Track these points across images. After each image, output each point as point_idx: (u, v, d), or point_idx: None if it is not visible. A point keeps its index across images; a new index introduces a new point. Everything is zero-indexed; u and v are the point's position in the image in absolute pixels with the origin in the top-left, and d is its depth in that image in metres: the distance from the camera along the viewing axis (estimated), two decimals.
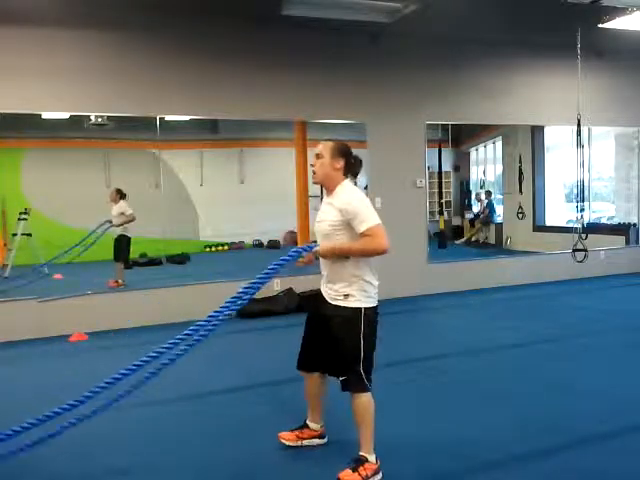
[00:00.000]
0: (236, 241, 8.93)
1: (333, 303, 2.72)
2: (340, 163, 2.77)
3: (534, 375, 4.18)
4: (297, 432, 3.03)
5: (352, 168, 2.84)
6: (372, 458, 2.70)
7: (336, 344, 2.71)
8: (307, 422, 3.05)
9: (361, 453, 2.71)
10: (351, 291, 2.68)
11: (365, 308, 2.67)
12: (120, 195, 6.82)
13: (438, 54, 7.20)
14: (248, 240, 8.93)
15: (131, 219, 6.75)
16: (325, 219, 2.74)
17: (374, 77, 6.96)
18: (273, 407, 3.64)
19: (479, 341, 5.17)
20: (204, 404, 3.79)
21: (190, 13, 6.00)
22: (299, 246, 2.87)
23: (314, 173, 2.83)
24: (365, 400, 2.70)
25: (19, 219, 6.83)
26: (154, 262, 7.67)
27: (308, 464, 2.89)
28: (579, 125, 6.29)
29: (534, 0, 5.89)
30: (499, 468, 2.84)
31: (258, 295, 6.28)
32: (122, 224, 6.76)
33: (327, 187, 2.81)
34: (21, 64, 5.57)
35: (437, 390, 3.94)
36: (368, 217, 2.62)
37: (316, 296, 2.88)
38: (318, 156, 2.80)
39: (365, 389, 2.70)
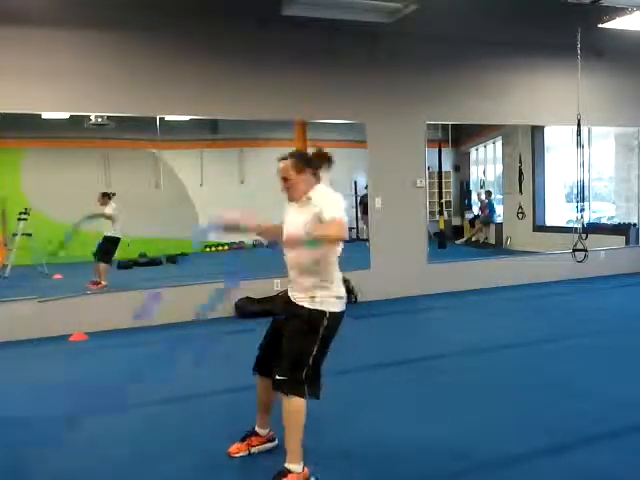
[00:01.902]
0: (236, 241, 8.93)
1: (298, 303, 2.68)
2: (307, 172, 2.72)
3: (534, 375, 4.18)
4: (247, 441, 2.98)
5: (319, 165, 2.76)
6: (297, 468, 2.63)
7: (287, 342, 2.66)
8: (255, 429, 3.01)
9: (285, 464, 2.65)
10: (317, 293, 2.65)
11: (329, 312, 2.64)
12: (108, 196, 6.81)
13: (438, 54, 7.19)
14: (248, 240, 8.93)
15: (107, 216, 6.73)
16: (299, 221, 2.67)
17: (374, 77, 6.96)
18: (273, 407, 3.63)
19: (479, 341, 5.16)
20: (204, 404, 3.79)
21: (190, 13, 6.00)
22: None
23: (289, 195, 2.75)
24: (299, 404, 2.62)
25: (19, 219, 6.84)
26: (154, 262, 7.67)
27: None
28: (579, 125, 6.29)
29: (534, 0, 5.89)
30: (499, 468, 2.84)
31: (258, 295, 6.36)
32: (103, 216, 6.75)
33: (299, 198, 2.75)
34: (21, 64, 5.57)
35: (437, 390, 3.94)
36: (336, 210, 2.56)
37: (283, 297, 2.82)
38: (285, 179, 2.72)
39: (301, 394, 2.62)
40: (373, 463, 2.89)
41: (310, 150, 2.81)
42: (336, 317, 2.68)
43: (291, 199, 2.78)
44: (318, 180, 2.77)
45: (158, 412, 3.67)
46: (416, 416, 3.50)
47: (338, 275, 2.73)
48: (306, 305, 2.66)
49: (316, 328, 2.62)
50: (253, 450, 2.98)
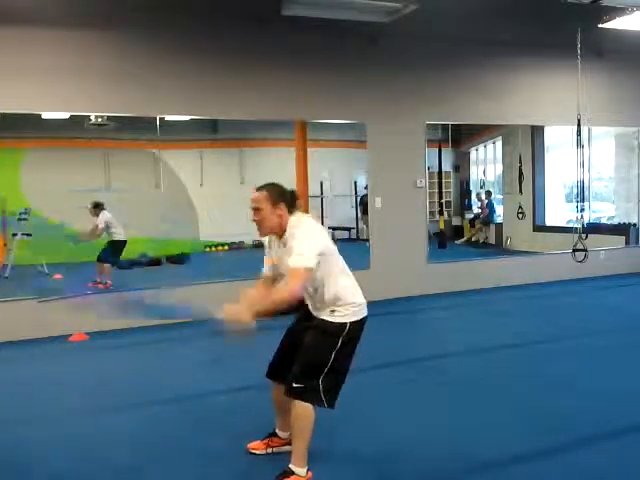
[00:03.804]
0: (236, 241, 8.93)
1: (319, 317, 2.68)
2: (282, 207, 2.64)
3: (534, 375, 4.18)
4: (266, 441, 2.99)
5: (292, 202, 2.69)
6: (301, 471, 2.64)
7: (306, 350, 2.64)
8: (276, 431, 3.00)
9: (290, 465, 2.65)
10: (336, 308, 2.64)
11: (350, 323, 2.63)
12: (99, 207, 6.81)
13: (438, 54, 7.19)
14: (248, 240, 8.93)
15: (98, 234, 6.77)
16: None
17: (374, 77, 6.96)
18: (273, 408, 3.63)
19: (479, 341, 5.16)
20: (204, 404, 3.79)
21: (190, 13, 6.00)
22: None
23: (259, 227, 2.67)
24: (308, 410, 2.61)
25: (19, 219, 6.84)
26: (154, 262, 7.67)
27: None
28: (579, 125, 6.29)
29: (534, 0, 5.89)
30: (499, 468, 2.84)
31: None
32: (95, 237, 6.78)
33: (277, 233, 2.69)
34: (21, 64, 5.56)
35: (437, 390, 3.94)
36: (297, 248, 2.49)
37: (304, 307, 2.79)
38: (257, 210, 2.64)
39: (316, 402, 2.60)
40: (373, 463, 2.89)
41: (286, 187, 2.73)
42: (357, 325, 2.67)
43: (260, 233, 2.72)
44: (293, 213, 2.68)
45: (158, 412, 3.67)
46: (416, 416, 3.50)
47: (349, 283, 2.70)
48: (326, 318, 2.65)
49: (336, 337, 2.62)
50: (270, 450, 2.97)
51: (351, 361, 2.71)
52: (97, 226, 6.77)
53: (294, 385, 2.61)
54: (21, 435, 3.31)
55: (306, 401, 2.60)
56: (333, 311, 2.64)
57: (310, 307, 2.75)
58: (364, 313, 2.71)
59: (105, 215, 6.79)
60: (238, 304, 2.51)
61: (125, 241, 6.87)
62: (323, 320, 2.66)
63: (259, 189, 2.68)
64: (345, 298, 2.65)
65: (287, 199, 2.68)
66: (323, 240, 2.61)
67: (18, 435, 3.31)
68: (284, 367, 2.74)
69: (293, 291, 2.46)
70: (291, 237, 2.60)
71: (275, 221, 2.65)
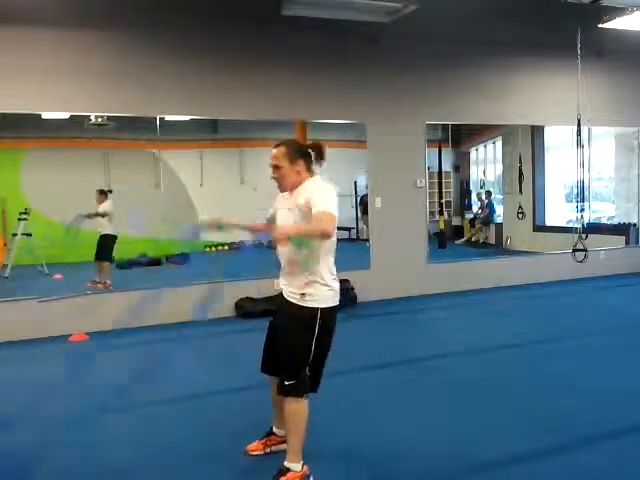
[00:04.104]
0: (236, 241, 8.92)
1: (289, 300, 2.64)
2: (300, 164, 2.65)
3: (534, 375, 4.18)
4: (264, 440, 2.99)
5: (312, 158, 2.69)
6: (296, 467, 2.65)
7: (284, 345, 2.64)
8: (273, 429, 3.01)
9: (285, 463, 2.66)
10: (307, 290, 2.60)
11: (322, 309, 2.60)
12: (105, 194, 6.82)
13: (438, 54, 7.19)
14: (248, 240, 8.91)
15: (102, 214, 6.76)
16: (289, 216, 2.64)
17: (374, 77, 6.96)
18: (271, 405, 3.63)
19: (479, 341, 5.16)
20: (204, 404, 3.79)
21: (190, 13, 6.00)
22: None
23: (279, 184, 2.69)
24: (301, 406, 2.62)
25: (19, 219, 6.83)
26: (154, 262, 7.67)
27: None
28: (579, 125, 6.28)
29: (534, 0, 5.89)
30: (499, 468, 2.84)
31: (259, 295, 6.36)
32: (98, 215, 6.78)
33: (292, 190, 2.69)
34: (21, 64, 5.57)
35: (437, 390, 3.94)
36: (324, 203, 2.48)
37: (280, 295, 2.76)
38: (276, 167, 2.65)
39: (305, 392, 2.62)
40: (373, 463, 2.89)
41: (307, 142, 2.76)
42: (329, 313, 2.64)
43: (281, 189, 2.73)
44: (311, 173, 2.70)
45: (158, 412, 3.67)
46: (416, 416, 3.50)
47: (330, 269, 2.66)
48: (296, 302, 2.62)
49: (311, 327, 2.58)
50: (269, 450, 2.98)
51: (331, 341, 2.69)
52: (98, 211, 6.77)
53: (286, 383, 2.62)
54: (21, 435, 3.31)
55: (298, 396, 2.61)
56: (303, 294, 2.60)
57: (284, 275, 2.71)
58: (336, 302, 2.67)
59: (109, 203, 6.80)
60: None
61: (116, 236, 6.86)
62: (294, 305, 2.61)
63: (277, 145, 2.69)
64: (323, 277, 2.61)
65: (307, 155, 2.68)
66: (337, 207, 2.56)
67: (18, 435, 3.31)
68: (274, 360, 2.75)
69: (327, 227, 2.44)
70: (311, 193, 2.55)
71: (294, 178, 2.65)
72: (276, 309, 2.85)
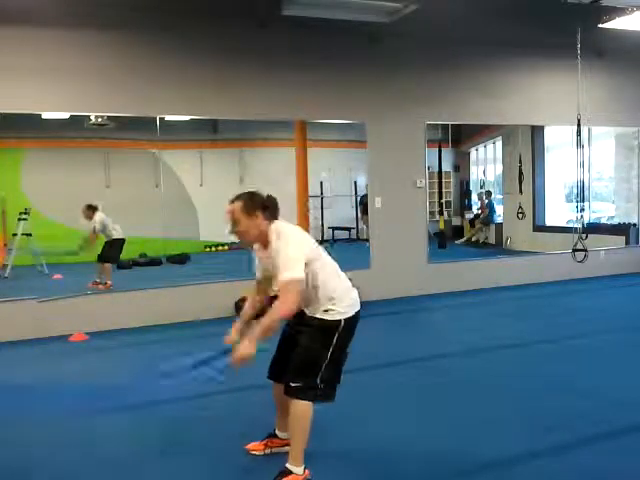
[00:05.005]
0: (236, 241, 8.93)
1: (314, 316, 2.67)
2: (259, 216, 2.59)
3: (534, 375, 4.18)
4: (266, 441, 2.98)
5: (270, 209, 2.64)
6: (298, 470, 2.64)
7: (302, 349, 2.64)
8: (275, 432, 3.00)
9: (287, 465, 2.66)
10: (331, 306, 2.64)
11: (345, 319, 2.65)
12: (92, 210, 6.76)
13: (438, 54, 7.19)
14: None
15: (94, 233, 6.74)
16: (270, 264, 2.63)
17: (374, 77, 6.96)
18: (273, 408, 3.63)
19: (479, 341, 5.16)
20: (204, 404, 3.79)
21: (190, 13, 6.00)
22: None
23: (239, 241, 2.65)
24: (306, 409, 2.62)
25: (19, 219, 6.84)
26: (154, 262, 7.67)
27: None
28: (579, 125, 6.28)
29: (534, 0, 5.89)
30: (499, 468, 2.84)
31: None
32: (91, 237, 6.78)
33: (261, 243, 2.68)
34: (21, 64, 5.56)
35: (437, 390, 3.94)
36: (285, 262, 2.48)
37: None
38: (235, 223, 2.59)
39: (313, 399, 2.62)
40: (373, 463, 2.89)
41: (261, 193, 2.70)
42: (352, 320, 2.69)
43: (243, 245, 2.71)
44: (271, 220, 2.63)
45: (158, 412, 3.67)
46: (416, 416, 3.50)
47: (340, 283, 2.70)
48: (321, 317, 2.65)
49: (331, 334, 2.62)
50: (269, 451, 2.97)
51: (347, 353, 2.73)
52: (93, 228, 6.74)
53: (292, 384, 2.61)
54: (21, 435, 3.31)
55: (304, 399, 2.60)
56: (327, 310, 2.65)
57: (304, 308, 2.74)
58: (357, 307, 2.72)
59: (99, 216, 6.75)
60: (241, 343, 2.52)
61: (124, 239, 6.85)
62: (318, 319, 2.66)
63: (233, 200, 2.63)
64: (339, 297, 2.66)
65: (264, 207, 2.62)
66: (307, 245, 2.60)
67: (18, 435, 3.31)
68: (284, 368, 2.74)
69: (288, 307, 2.47)
70: (276, 249, 2.56)
71: (255, 232, 2.61)
72: (293, 317, 2.78)
